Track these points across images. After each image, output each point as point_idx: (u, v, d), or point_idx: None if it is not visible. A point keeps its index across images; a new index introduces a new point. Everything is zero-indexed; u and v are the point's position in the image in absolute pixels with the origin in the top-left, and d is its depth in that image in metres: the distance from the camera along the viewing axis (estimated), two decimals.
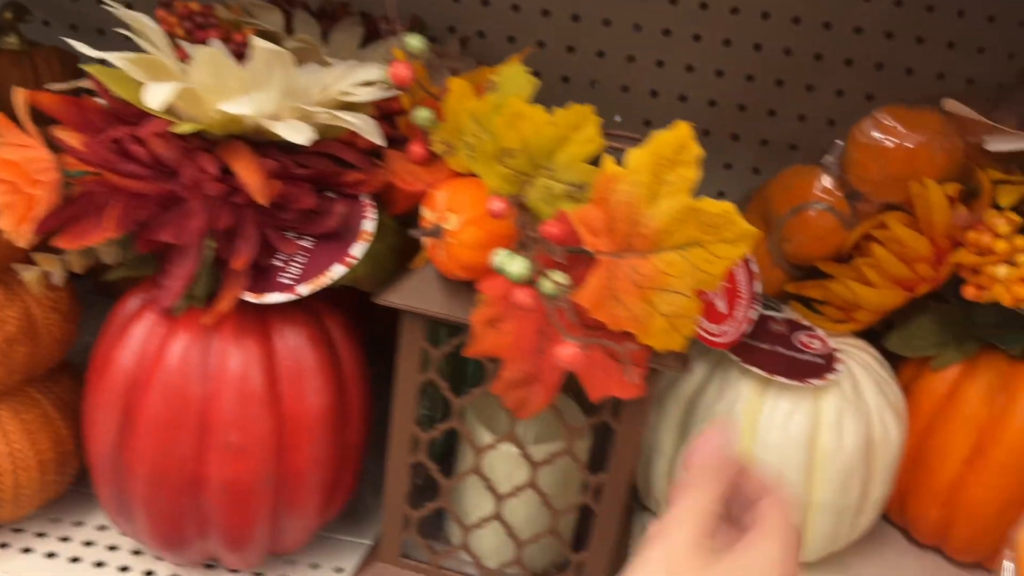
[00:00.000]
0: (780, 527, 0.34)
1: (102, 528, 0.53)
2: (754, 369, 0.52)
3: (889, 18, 0.77)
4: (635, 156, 0.37)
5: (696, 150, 0.37)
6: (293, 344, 0.45)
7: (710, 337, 0.49)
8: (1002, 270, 0.50)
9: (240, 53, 0.54)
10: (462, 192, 0.40)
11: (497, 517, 0.48)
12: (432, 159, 0.44)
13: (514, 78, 0.41)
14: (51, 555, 0.50)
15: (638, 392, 0.40)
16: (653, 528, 0.35)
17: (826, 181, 0.61)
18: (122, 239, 0.43)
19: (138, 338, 0.44)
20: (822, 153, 0.67)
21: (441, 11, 0.80)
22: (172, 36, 0.55)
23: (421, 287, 0.44)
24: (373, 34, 0.67)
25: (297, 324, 0.46)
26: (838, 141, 0.62)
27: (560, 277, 0.35)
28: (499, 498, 0.47)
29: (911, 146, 0.56)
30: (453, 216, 0.40)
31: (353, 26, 0.64)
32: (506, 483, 0.49)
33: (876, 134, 0.57)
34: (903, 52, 0.79)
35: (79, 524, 0.53)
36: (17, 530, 0.52)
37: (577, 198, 0.40)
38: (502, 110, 0.38)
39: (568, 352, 0.32)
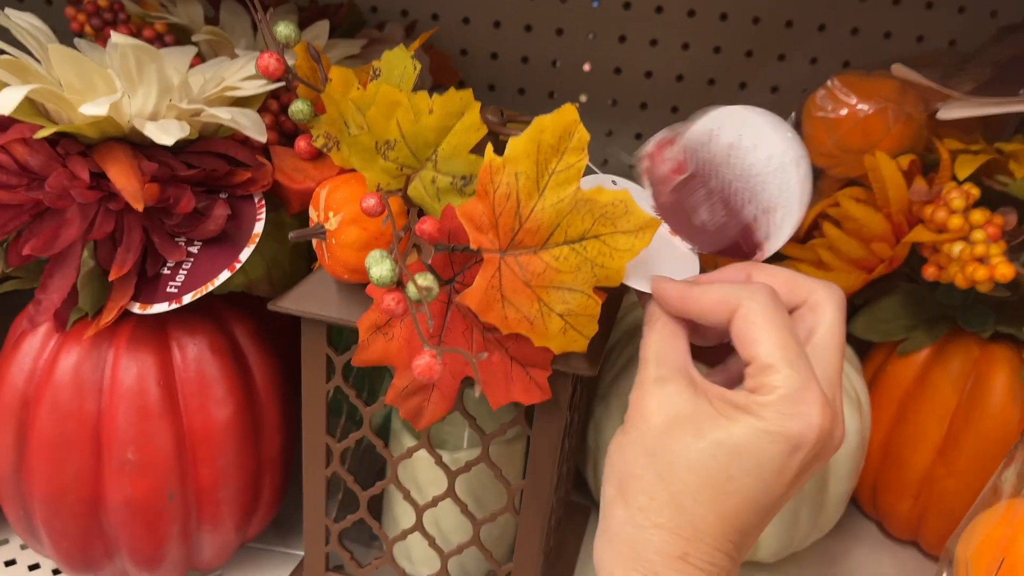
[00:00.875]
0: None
1: (26, 547, 0.51)
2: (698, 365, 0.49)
3: None
4: (515, 144, 0.34)
5: (583, 135, 0.34)
6: (193, 354, 0.43)
7: None
8: (956, 248, 0.46)
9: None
10: (342, 189, 0.37)
11: (420, 528, 0.45)
12: (320, 155, 0.41)
13: (397, 64, 0.38)
14: None
15: (542, 397, 0.38)
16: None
17: None
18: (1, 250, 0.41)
19: (28, 353, 0.43)
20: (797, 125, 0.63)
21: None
22: (82, 34, 0.54)
23: (318, 290, 0.41)
24: (308, 22, 0.65)
25: (197, 333, 0.44)
26: (792, 114, 0.58)
27: (426, 280, 0.32)
28: (420, 508, 0.45)
29: (864, 116, 0.52)
30: (333, 215, 0.37)
31: (287, 14, 0.62)
32: (433, 491, 0.47)
33: (828, 104, 0.53)
34: (879, 14, 0.74)
35: (3, 542, 0.52)
36: None
37: (463, 191, 0.37)
38: (376, 99, 0.36)
39: (422, 363, 0.30)
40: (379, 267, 0.32)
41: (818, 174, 0.58)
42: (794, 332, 0.32)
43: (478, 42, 0.78)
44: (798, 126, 0.58)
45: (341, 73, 0.39)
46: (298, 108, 0.39)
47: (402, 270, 0.32)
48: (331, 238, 0.37)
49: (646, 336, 0.36)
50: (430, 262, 0.33)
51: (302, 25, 0.62)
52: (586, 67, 0.79)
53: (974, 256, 0.44)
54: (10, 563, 0.50)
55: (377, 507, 0.53)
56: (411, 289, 0.32)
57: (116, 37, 0.37)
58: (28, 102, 0.39)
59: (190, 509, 0.44)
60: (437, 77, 0.73)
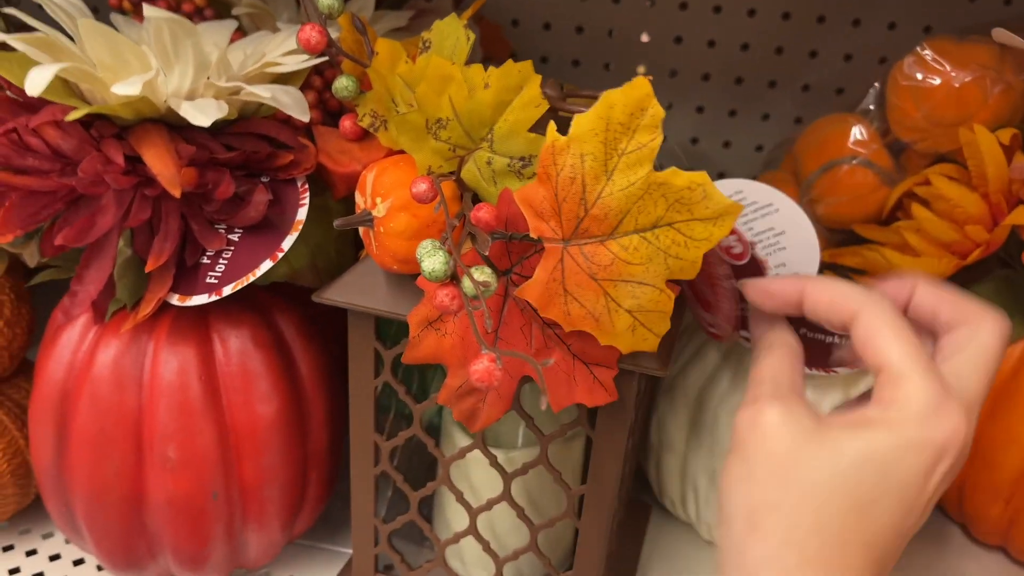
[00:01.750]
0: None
1: (70, 541, 0.50)
2: None
3: None
4: (581, 122, 0.30)
5: (658, 111, 0.30)
6: (236, 348, 0.41)
7: (708, 328, 0.42)
8: None
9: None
10: (390, 173, 0.34)
11: (473, 531, 0.43)
12: (367, 135, 0.38)
13: (449, 34, 0.35)
14: (15, 571, 0.48)
15: (608, 398, 0.34)
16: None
17: (862, 131, 0.53)
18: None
19: (67, 346, 0.41)
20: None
21: None
22: (120, 10, 0.51)
23: (366, 281, 0.38)
24: None
25: (240, 325, 0.41)
26: (875, 84, 0.54)
27: (483, 274, 0.29)
28: (473, 510, 0.42)
29: (959, 85, 0.47)
30: (381, 201, 0.34)
31: None
32: (487, 492, 0.44)
33: (918, 73, 0.49)
34: None
35: (48, 536, 0.51)
36: None
37: (521, 174, 0.34)
38: (427, 73, 0.32)
39: (480, 368, 0.27)
40: (431, 259, 0.29)
41: (902, 149, 0.53)
42: (921, 343, 0.30)
43: (530, 11, 0.74)
44: (882, 97, 0.53)
45: (388, 46, 0.36)
46: (342, 85, 0.36)
47: (457, 263, 0.29)
48: (379, 226, 0.34)
49: (762, 358, 0.34)
50: (487, 253, 0.30)
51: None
52: (644, 37, 0.74)
53: None
54: (55, 557, 0.49)
55: (428, 506, 0.50)
56: (467, 284, 0.29)
57: (150, 11, 0.35)
58: (60, 82, 0.37)
59: (235, 508, 0.42)
60: (488, 49, 0.70)
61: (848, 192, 0.53)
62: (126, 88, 0.34)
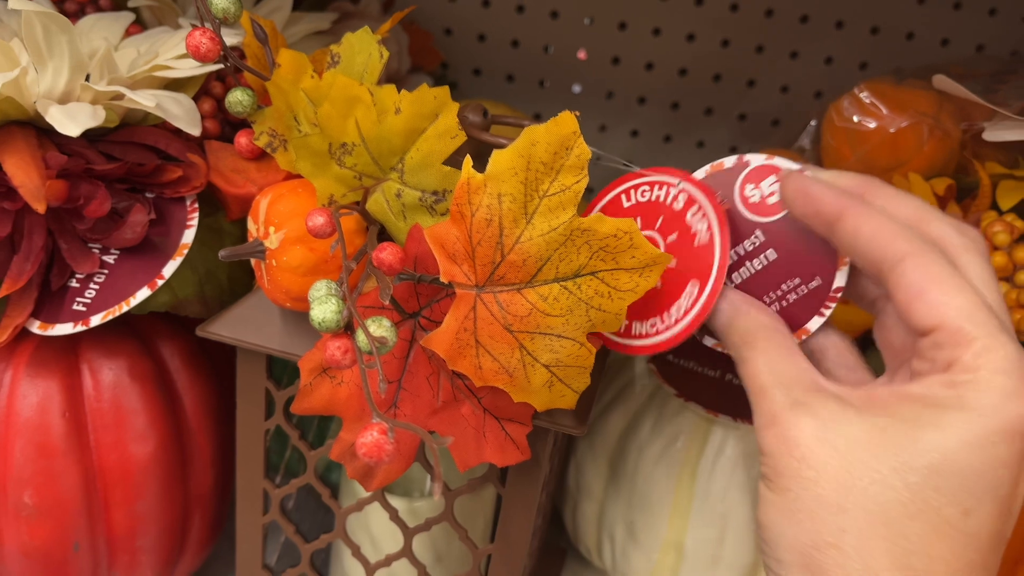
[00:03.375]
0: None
1: None
2: (693, 406, 0.43)
3: None
4: (500, 158, 0.27)
5: (584, 151, 0.28)
6: (109, 380, 0.37)
7: (622, 341, 0.33)
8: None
9: (82, 12, 0.45)
10: (286, 200, 0.31)
11: None
12: (265, 154, 0.35)
13: (361, 50, 0.31)
14: None
15: (520, 457, 0.31)
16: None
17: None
18: None
19: None
20: (806, 124, 0.57)
21: None
22: None
23: (258, 314, 0.34)
24: None
25: (116, 355, 0.37)
26: (812, 122, 0.52)
27: (382, 328, 0.26)
28: (371, 566, 0.39)
29: (894, 130, 0.46)
30: (274, 231, 0.30)
31: None
32: (389, 545, 0.41)
33: (854, 115, 0.47)
34: (903, 13, 0.68)
35: None
36: None
37: (436, 209, 0.30)
38: (331, 93, 0.29)
39: (368, 441, 0.23)
40: (322, 307, 0.26)
41: None
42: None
43: (465, 21, 0.71)
44: (818, 135, 0.52)
45: (292, 57, 0.32)
46: (236, 99, 0.33)
47: (352, 312, 0.26)
48: (271, 258, 0.31)
49: (749, 360, 0.27)
50: (387, 302, 0.27)
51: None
52: (581, 54, 0.72)
53: (1020, 302, 0.39)
54: None
55: (325, 555, 0.46)
56: (361, 338, 0.25)
57: (17, 3, 0.30)
58: None
59: (100, 560, 0.38)
60: (417, 59, 0.66)
61: None
62: None
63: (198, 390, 0.40)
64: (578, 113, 0.28)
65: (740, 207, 0.31)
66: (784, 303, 0.30)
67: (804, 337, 0.30)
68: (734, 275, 0.31)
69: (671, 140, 0.75)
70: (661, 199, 0.32)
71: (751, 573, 0.44)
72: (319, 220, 0.28)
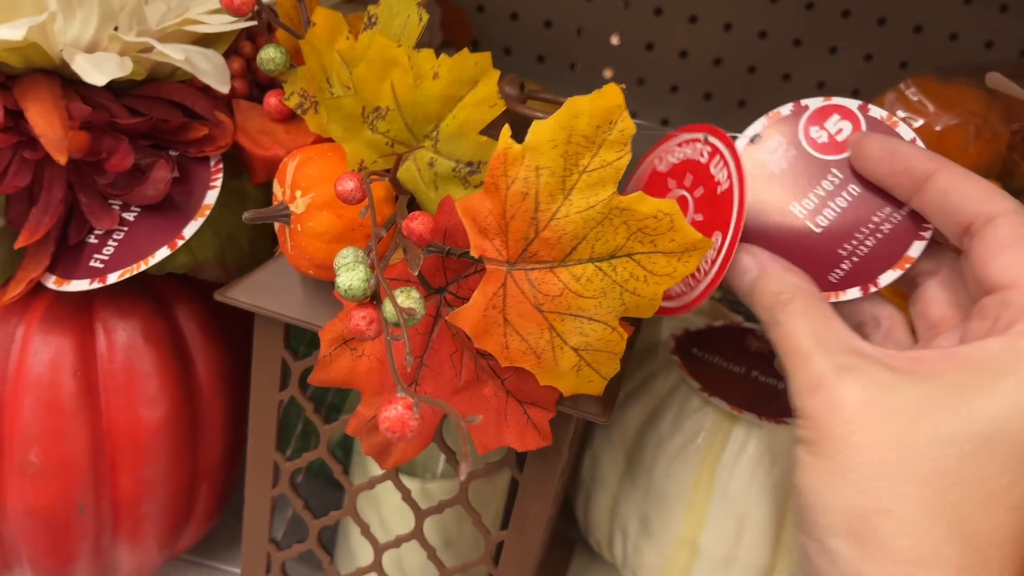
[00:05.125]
0: None
1: None
2: (717, 401, 0.42)
3: None
4: (539, 129, 0.26)
5: (629, 126, 0.26)
6: (122, 341, 0.36)
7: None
8: None
9: None
10: (314, 163, 0.29)
11: (378, 568, 0.38)
12: (295, 116, 0.34)
13: (400, 10, 0.30)
14: None
15: (541, 443, 0.30)
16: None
17: None
18: None
19: None
20: None
21: None
22: None
23: (278, 281, 0.33)
24: None
25: (131, 315, 0.36)
26: None
27: (409, 299, 0.24)
28: (380, 546, 0.38)
29: (941, 128, 0.44)
30: (301, 195, 0.29)
31: None
32: (398, 526, 0.40)
33: (899, 111, 0.46)
34: (947, 13, 0.66)
35: None
36: None
37: (467, 181, 0.29)
38: (367, 55, 0.28)
39: (392, 416, 0.22)
40: (349, 274, 0.24)
41: None
42: None
43: None
44: None
45: (327, 16, 0.31)
46: (269, 56, 0.31)
47: (379, 281, 0.25)
48: (296, 223, 0.30)
49: (784, 323, 0.26)
50: (417, 272, 0.26)
51: None
52: (614, 39, 0.71)
53: None
54: None
55: (332, 531, 0.46)
56: (388, 309, 0.24)
57: None
58: None
59: (105, 524, 0.37)
60: (448, 34, 0.65)
61: None
62: (8, 32, 0.28)
63: (212, 357, 0.39)
64: (624, 86, 0.26)
65: (809, 149, 0.30)
66: (879, 235, 0.29)
67: (908, 266, 0.29)
68: (819, 218, 0.30)
69: None
70: (690, 156, 0.31)
71: (767, 575, 0.43)
72: (349, 185, 0.27)
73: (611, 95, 0.26)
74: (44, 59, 0.32)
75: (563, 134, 0.26)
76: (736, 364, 0.45)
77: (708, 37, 0.69)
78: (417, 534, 0.37)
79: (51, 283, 0.33)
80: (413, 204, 0.30)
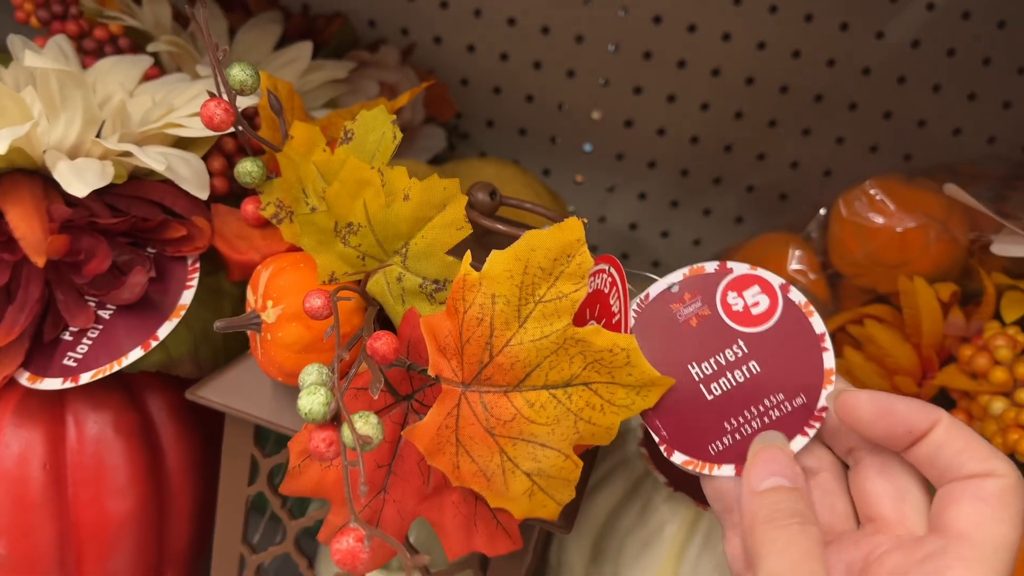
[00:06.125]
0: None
1: None
2: (682, 496, 0.42)
3: (903, 60, 0.66)
4: (496, 260, 0.27)
5: (586, 260, 0.27)
6: (93, 434, 0.36)
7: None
8: (998, 405, 0.40)
9: (100, 51, 0.45)
10: (287, 274, 0.30)
11: None
12: (270, 222, 0.35)
13: (375, 127, 0.31)
14: None
15: (511, 547, 0.31)
16: None
17: (801, 258, 0.51)
18: None
19: None
20: (816, 206, 0.56)
21: (395, 10, 0.70)
22: (27, 25, 0.46)
23: (249, 380, 0.34)
24: (295, 34, 0.58)
25: (103, 407, 0.37)
26: (822, 211, 0.52)
27: (369, 425, 0.25)
28: None
29: (901, 230, 0.46)
30: (272, 305, 0.30)
31: (268, 23, 0.55)
32: None
33: (863, 210, 0.47)
34: (916, 100, 0.68)
35: None
36: None
37: (435, 298, 0.30)
38: (341, 174, 0.29)
39: (343, 548, 0.23)
40: (310, 399, 0.25)
41: (841, 279, 0.52)
42: None
43: (481, 73, 0.71)
44: (824, 224, 0.52)
45: (305, 130, 0.32)
46: (246, 170, 0.33)
47: (339, 406, 0.26)
48: (266, 332, 0.30)
49: (770, 550, 0.26)
50: (377, 395, 0.27)
51: (288, 37, 0.55)
52: (595, 115, 0.72)
53: (1018, 422, 0.38)
54: None
55: None
56: (346, 434, 0.25)
57: (34, 59, 0.31)
58: None
59: None
60: (432, 108, 0.67)
61: None
62: None
63: (183, 446, 0.39)
64: (585, 220, 0.27)
65: (722, 314, 0.30)
66: (767, 419, 0.30)
67: None
68: (713, 385, 0.30)
69: (678, 206, 0.75)
70: (598, 286, 0.31)
71: None
72: (316, 302, 0.28)
73: (571, 229, 0.27)
74: (26, 161, 0.33)
75: (519, 265, 0.27)
76: None
77: (686, 116, 0.70)
78: None
79: (24, 380, 0.33)
80: (381, 314, 0.31)
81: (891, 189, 0.47)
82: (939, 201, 0.46)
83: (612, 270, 0.31)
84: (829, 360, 0.29)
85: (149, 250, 0.35)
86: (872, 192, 0.47)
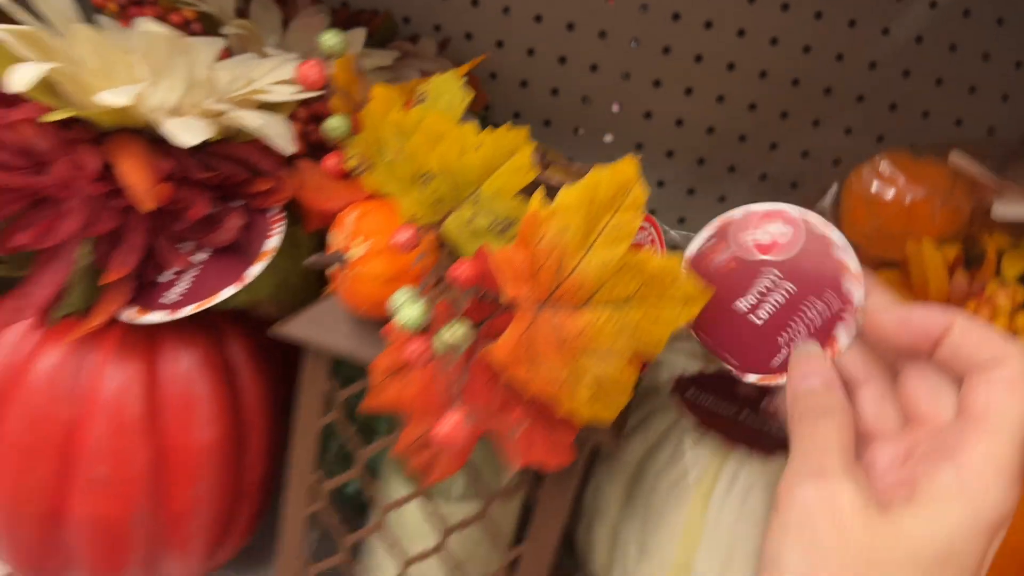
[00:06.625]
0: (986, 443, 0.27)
1: None
2: (711, 437, 0.46)
3: (907, 55, 0.71)
4: (567, 194, 0.31)
5: (640, 193, 0.31)
6: (183, 369, 0.40)
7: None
8: None
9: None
10: (372, 216, 0.34)
11: None
12: (348, 175, 0.39)
13: (447, 90, 0.35)
14: None
15: (565, 461, 0.35)
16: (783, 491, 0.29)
17: None
18: None
19: (4, 347, 0.39)
20: (823, 193, 0.61)
21: (428, 7, 0.74)
22: (104, 12, 0.51)
23: (328, 318, 0.38)
24: (341, 26, 0.62)
25: (191, 346, 0.41)
26: (834, 185, 0.56)
27: (459, 331, 0.29)
28: (408, 559, 0.42)
29: (910, 201, 0.50)
30: (359, 243, 0.34)
31: (316, 15, 0.59)
32: (419, 543, 0.44)
33: (873, 183, 0.51)
34: (920, 93, 0.72)
35: None
36: None
37: (502, 234, 0.34)
38: (421, 127, 0.33)
39: (448, 426, 0.27)
40: (410, 309, 0.29)
41: None
42: None
43: (510, 68, 0.76)
44: (837, 199, 0.56)
45: (383, 92, 0.36)
46: (334, 125, 0.37)
47: (433, 317, 0.30)
48: (352, 267, 0.34)
49: (821, 422, 0.30)
50: (462, 313, 0.31)
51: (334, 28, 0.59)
52: (615, 107, 0.77)
53: None
54: None
55: (355, 546, 0.49)
56: (439, 340, 0.29)
57: (146, 24, 0.35)
58: (42, 79, 0.37)
59: (158, 534, 0.41)
60: None
61: None
62: (114, 98, 0.33)
63: (258, 387, 0.43)
64: (640, 157, 0.31)
65: (754, 252, 0.35)
66: (810, 324, 0.34)
67: (837, 353, 0.34)
68: (760, 312, 0.35)
69: (694, 193, 0.79)
70: (642, 240, 0.36)
71: None
72: (406, 235, 0.32)
73: (627, 167, 0.31)
74: (133, 120, 0.37)
75: (586, 198, 0.31)
76: (727, 406, 0.49)
77: (702, 108, 0.75)
78: (441, 548, 0.41)
79: (131, 316, 0.37)
80: (455, 253, 0.35)
81: (900, 163, 0.51)
82: (944, 173, 0.50)
83: (652, 228, 0.35)
84: (852, 261, 0.34)
85: (235, 203, 0.39)
86: (882, 166, 0.51)
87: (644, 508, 0.49)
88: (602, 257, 0.32)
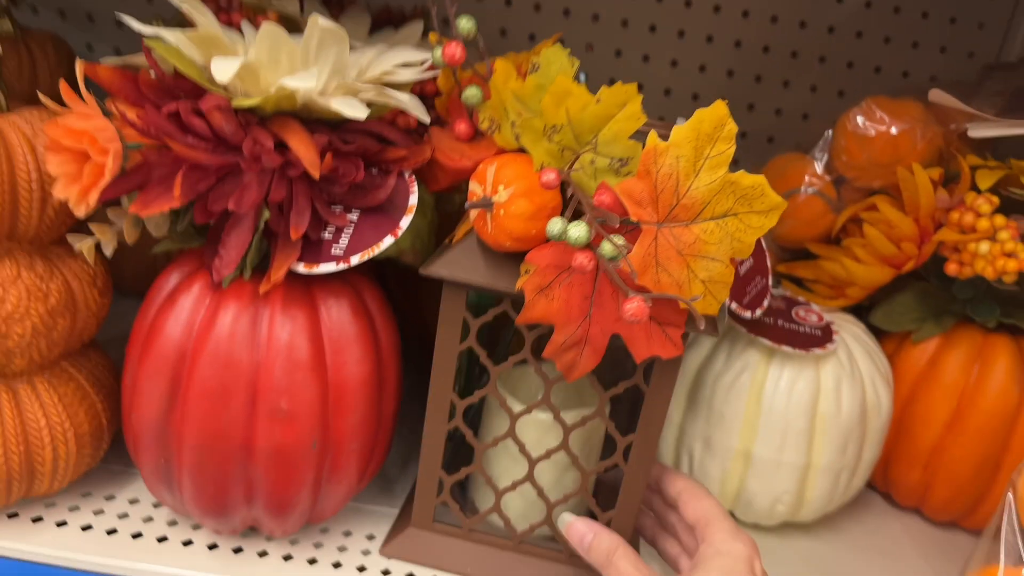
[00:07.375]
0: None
1: (134, 501, 0.54)
2: (763, 340, 0.56)
3: (859, 18, 0.82)
4: (678, 131, 0.40)
5: (733, 126, 0.40)
6: (337, 315, 0.47)
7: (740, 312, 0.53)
8: (984, 246, 0.54)
9: None
10: (511, 166, 0.42)
11: (530, 480, 0.50)
12: (475, 136, 0.46)
13: (555, 59, 0.43)
14: (87, 528, 0.51)
15: (678, 352, 0.43)
16: None
17: (816, 168, 0.65)
18: (171, 211, 0.44)
19: (186, 308, 0.46)
20: (796, 146, 0.71)
21: (464, 7, 0.82)
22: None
23: (463, 259, 0.46)
24: (378, 23, 0.69)
25: (340, 296, 0.48)
26: (828, 132, 0.67)
27: (620, 239, 0.38)
28: (532, 462, 0.50)
29: (895, 133, 0.60)
30: (503, 189, 0.42)
31: (361, 14, 0.66)
32: (536, 448, 0.52)
33: (863, 122, 0.62)
34: (872, 51, 0.84)
35: (111, 498, 0.54)
36: (50, 504, 0.52)
37: (619, 172, 0.43)
38: (550, 88, 0.41)
39: (634, 306, 0.35)
40: (577, 228, 0.37)
41: (841, 184, 0.67)
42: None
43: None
44: (827, 143, 0.66)
45: (503, 65, 0.44)
46: (472, 93, 0.44)
47: (597, 231, 0.38)
48: (499, 209, 0.42)
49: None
50: (617, 225, 0.39)
51: (376, 25, 0.67)
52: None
53: (1004, 252, 0.53)
54: (123, 516, 0.52)
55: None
56: (606, 248, 0.37)
57: (316, 18, 0.42)
58: (198, 69, 0.43)
59: (326, 459, 0.48)
60: None
61: (803, 216, 0.66)
62: (297, 82, 0.40)
63: (388, 330, 0.51)
64: (727, 100, 0.40)
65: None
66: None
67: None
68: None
69: None
70: None
71: (803, 474, 0.57)
72: (550, 176, 0.40)
73: (721, 107, 0.40)
74: (289, 104, 0.44)
75: (693, 133, 0.40)
76: (765, 316, 0.59)
77: (686, 77, 0.85)
78: (564, 446, 0.49)
79: (302, 268, 0.44)
80: (580, 191, 0.43)
81: (883, 104, 0.62)
82: (919, 109, 0.61)
83: None
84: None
85: (373, 170, 0.47)
86: (869, 108, 0.62)
87: (706, 409, 0.58)
88: (707, 179, 0.40)
